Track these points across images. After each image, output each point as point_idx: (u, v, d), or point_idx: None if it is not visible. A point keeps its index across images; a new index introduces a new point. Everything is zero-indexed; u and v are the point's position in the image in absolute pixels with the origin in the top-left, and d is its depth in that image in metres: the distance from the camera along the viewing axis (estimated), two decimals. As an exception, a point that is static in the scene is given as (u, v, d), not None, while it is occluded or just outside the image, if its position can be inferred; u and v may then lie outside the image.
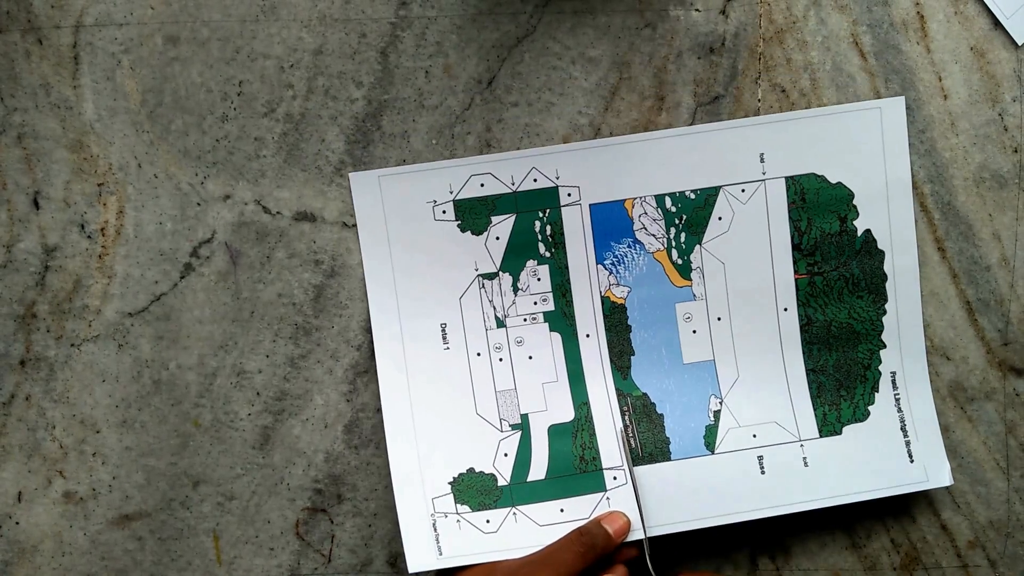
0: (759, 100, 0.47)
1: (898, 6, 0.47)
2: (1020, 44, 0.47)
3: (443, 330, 0.48)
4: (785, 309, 0.48)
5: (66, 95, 0.46)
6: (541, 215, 0.48)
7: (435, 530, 0.47)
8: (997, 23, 0.47)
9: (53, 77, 0.46)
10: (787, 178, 0.47)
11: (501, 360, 0.48)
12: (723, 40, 0.47)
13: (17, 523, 0.48)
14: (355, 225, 0.47)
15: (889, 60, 0.47)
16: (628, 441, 0.47)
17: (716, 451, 0.48)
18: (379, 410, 0.48)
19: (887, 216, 0.48)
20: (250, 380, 0.48)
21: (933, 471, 0.48)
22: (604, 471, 0.47)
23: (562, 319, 0.48)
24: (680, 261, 0.48)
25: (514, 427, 0.48)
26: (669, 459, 0.48)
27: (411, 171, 0.47)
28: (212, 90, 0.47)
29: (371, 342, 0.48)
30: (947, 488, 0.49)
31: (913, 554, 0.50)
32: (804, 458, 0.48)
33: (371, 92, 0.47)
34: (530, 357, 0.48)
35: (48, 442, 0.48)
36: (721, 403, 0.48)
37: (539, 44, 0.47)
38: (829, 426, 0.48)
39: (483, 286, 0.48)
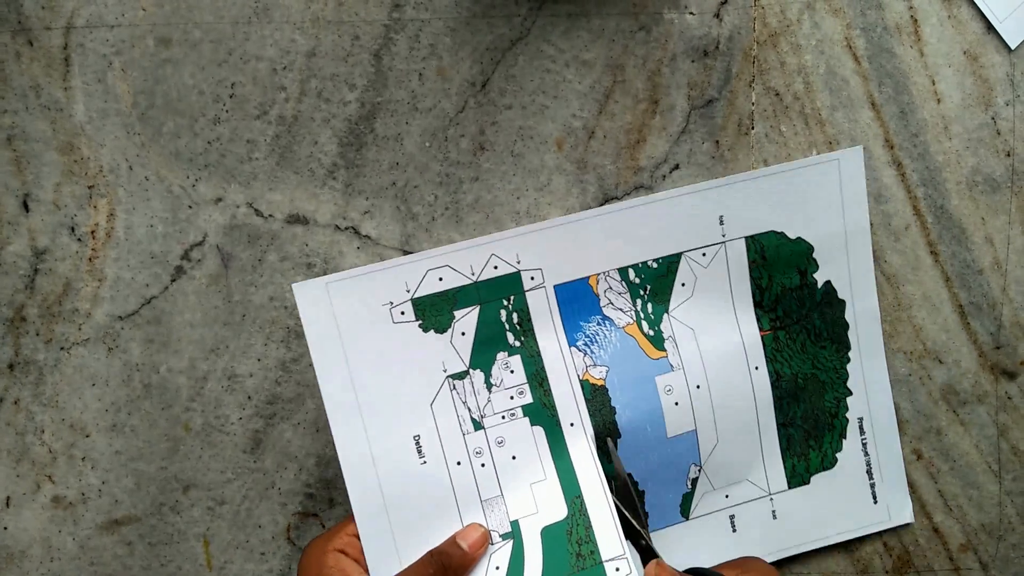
0: (753, 104, 0.47)
1: (891, 10, 0.47)
2: (1013, 48, 0.47)
3: (417, 442, 0.44)
4: (756, 368, 0.48)
5: (57, 97, 0.46)
6: (506, 303, 0.45)
7: None
8: (990, 27, 0.47)
9: (44, 79, 0.46)
10: (747, 238, 0.47)
11: (483, 465, 0.45)
12: (717, 43, 0.47)
13: (5, 528, 0.48)
14: (348, 228, 0.47)
15: (882, 64, 0.47)
16: (621, 516, 0.44)
17: (691, 516, 0.48)
18: (372, 414, 0.48)
19: (847, 266, 0.48)
20: (241, 384, 0.48)
21: (896, 510, 0.49)
22: (604, 564, 0.43)
23: (543, 410, 0.45)
24: (652, 332, 0.47)
25: (504, 536, 0.44)
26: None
27: (361, 273, 0.43)
28: (204, 92, 0.46)
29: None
30: (939, 491, 0.50)
31: (905, 557, 0.50)
32: (773, 511, 0.48)
33: (364, 95, 0.47)
34: (514, 457, 0.45)
35: (37, 446, 0.47)
36: (700, 470, 0.48)
37: (533, 47, 0.47)
38: (797, 477, 0.49)
39: (454, 387, 0.44)
